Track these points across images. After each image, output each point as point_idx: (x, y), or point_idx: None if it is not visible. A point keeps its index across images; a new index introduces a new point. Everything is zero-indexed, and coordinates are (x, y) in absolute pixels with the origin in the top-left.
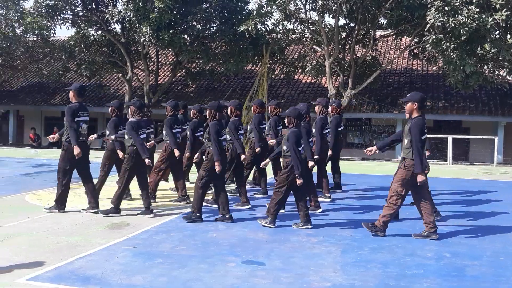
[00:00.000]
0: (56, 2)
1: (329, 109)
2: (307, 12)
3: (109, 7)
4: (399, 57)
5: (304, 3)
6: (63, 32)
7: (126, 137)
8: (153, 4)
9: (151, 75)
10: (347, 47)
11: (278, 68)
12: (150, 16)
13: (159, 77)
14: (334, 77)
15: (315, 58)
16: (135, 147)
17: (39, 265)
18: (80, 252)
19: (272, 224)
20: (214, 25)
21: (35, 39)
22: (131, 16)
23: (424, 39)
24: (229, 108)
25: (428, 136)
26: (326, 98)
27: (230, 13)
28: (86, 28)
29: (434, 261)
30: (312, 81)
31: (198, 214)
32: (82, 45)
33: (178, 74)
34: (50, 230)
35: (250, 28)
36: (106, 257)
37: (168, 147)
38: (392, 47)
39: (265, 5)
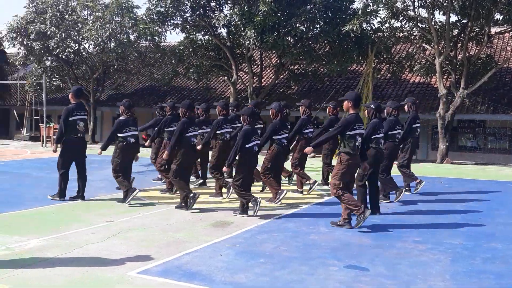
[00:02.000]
0: (166, 9)
1: (327, 110)
2: (416, 9)
3: (215, 12)
4: None
5: (412, 0)
6: (173, 37)
7: (121, 134)
8: (257, 7)
9: (254, 77)
10: (459, 44)
11: (384, 68)
12: (255, 20)
13: (263, 79)
14: (445, 76)
15: (424, 57)
16: (124, 143)
17: (148, 259)
18: (187, 248)
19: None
20: (318, 26)
21: (147, 44)
22: (236, 20)
23: None
24: (216, 107)
25: None
26: (377, 101)
27: (335, 13)
28: (194, 33)
29: None
30: (421, 80)
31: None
32: (191, 49)
33: (281, 76)
34: (159, 226)
35: (355, 28)
36: (211, 254)
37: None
38: (508, 44)
39: (371, 4)
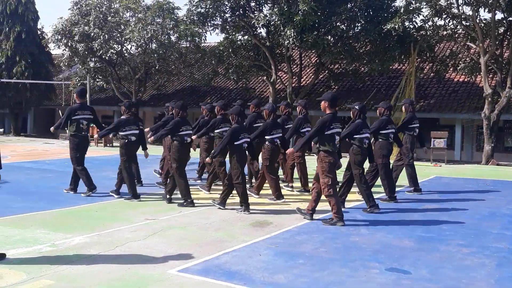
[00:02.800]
0: (207, 10)
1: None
2: (460, 7)
3: (255, 12)
4: None
5: None
6: (213, 38)
7: (122, 133)
8: (297, 7)
9: (294, 77)
10: (505, 42)
11: (427, 67)
12: (295, 19)
13: (302, 79)
14: (490, 76)
15: (468, 55)
16: (126, 141)
17: (188, 257)
18: (226, 247)
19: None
20: (359, 24)
21: (188, 45)
22: (276, 19)
23: None
24: (215, 107)
25: None
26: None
27: (376, 12)
28: (233, 33)
29: None
30: (465, 80)
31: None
32: (230, 50)
33: (321, 76)
34: (199, 225)
35: (397, 26)
36: (250, 254)
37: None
38: None
39: (413, 2)
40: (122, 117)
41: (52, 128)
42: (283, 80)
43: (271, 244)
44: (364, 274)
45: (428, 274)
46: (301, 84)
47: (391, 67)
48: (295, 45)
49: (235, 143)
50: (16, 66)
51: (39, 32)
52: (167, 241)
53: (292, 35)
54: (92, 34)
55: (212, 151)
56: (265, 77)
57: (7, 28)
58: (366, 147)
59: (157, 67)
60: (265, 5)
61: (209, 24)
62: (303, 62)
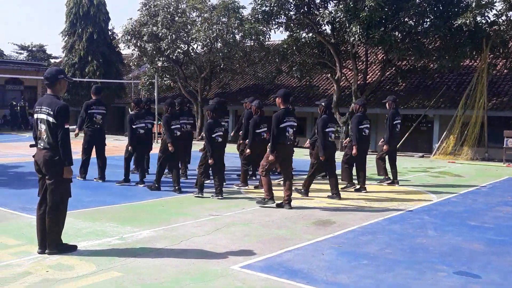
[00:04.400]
0: (271, 8)
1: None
2: None
3: (320, 9)
4: None
5: None
6: (277, 36)
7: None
8: (363, 2)
9: (359, 74)
10: None
11: (500, 63)
12: (361, 15)
13: (368, 76)
14: None
15: None
16: (136, 134)
17: (251, 254)
18: (288, 245)
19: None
20: (428, 20)
21: (252, 44)
22: (341, 16)
23: None
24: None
25: None
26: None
27: (446, 6)
28: (298, 31)
29: None
30: None
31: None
32: (294, 47)
33: (388, 73)
34: (262, 222)
35: (468, 21)
36: (313, 253)
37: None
38: None
39: None
40: (131, 112)
41: (76, 130)
42: (348, 77)
43: (334, 244)
44: (431, 277)
45: (499, 278)
46: (367, 82)
47: (461, 64)
48: (361, 41)
49: (212, 135)
50: (88, 66)
51: (110, 33)
52: (230, 237)
53: (358, 31)
54: (160, 34)
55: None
56: (329, 75)
57: (80, 29)
58: (332, 140)
59: (222, 66)
60: (330, 1)
61: (274, 22)
62: (369, 59)
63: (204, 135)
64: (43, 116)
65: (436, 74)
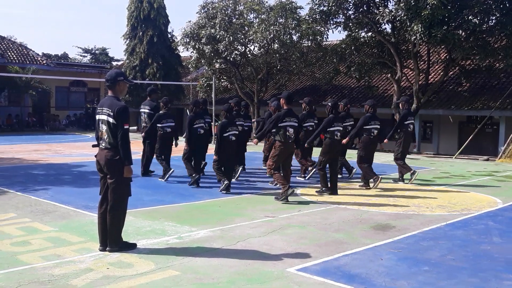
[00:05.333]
0: (329, 8)
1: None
2: None
3: (379, 8)
4: None
5: None
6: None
7: (160, 125)
8: (425, 0)
9: (421, 74)
10: None
11: None
12: (422, 13)
13: (430, 76)
14: None
15: None
16: (162, 132)
17: (307, 257)
18: (346, 249)
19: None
20: (494, 17)
21: (309, 44)
22: (402, 15)
23: None
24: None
25: None
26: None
27: None
28: (356, 30)
29: None
30: None
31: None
32: (353, 47)
33: (451, 73)
34: (318, 225)
35: None
36: (371, 258)
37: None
38: None
39: None
40: (160, 112)
41: (143, 134)
42: (409, 77)
43: (393, 249)
44: (495, 285)
45: None
46: (429, 82)
47: None
48: (423, 40)
49: (224, 135)
50: (148, 68)
51: (169, 36)
52: (286, 239)
53: (420, 30)
54: (218, 36)
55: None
56: (389, 75)
57: (140, 32)
58: (337, 139)
59: (278, 67)
60: (390, 0)
61: (332, 22)
62: (431, 58)
63: (217, 134)
64: (104, 117)
65: (502, 74)
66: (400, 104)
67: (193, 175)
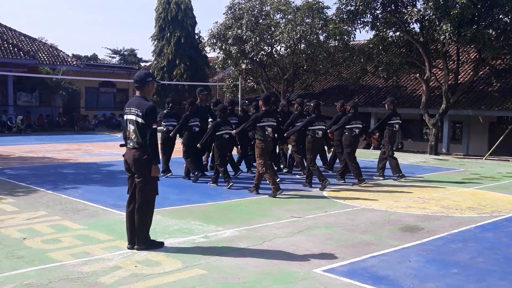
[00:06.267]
0: (357, 7)
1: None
2: None
3: (408, 7)
4: None
5: None
6: (362, 35)
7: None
8: None
9: (450, 74)
10: None
11: None
12: (451, 13)
13: (459, 76)
14: None
15: None
16: (188, 131)
17: (333, 258)
18: (373, 251)
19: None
20: None
21: (336, 44)
22: (430, 14)
23: None
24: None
25: None
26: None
27: None
28: (384, 30)
29: None
30: None
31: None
32: (380, 47)
33: (481, 72)
34: (345, 226)
35: None
36: (399, 260)
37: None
38: None
39: None
40: (186, 112)
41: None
42: (438, 77)
43: (422, 251)
44: None
45: None
46: (458, 82)
47: None
48: (452, 40)
49: (217, 133)
50: (176, 69)
51: (196, 37)
52: (313, 240)
53: (449, 29)
54: (245, 37)
55: (200, 141)
56: (417, 75)
57: (168, 34)
58: (318, 137)
59: (305, 67)
60: None
61: (359, 21)
62: (460, 58)
63: (209, 132)
64: (132, 117)
65: None
66: (386, 105)
67: (196, 173)
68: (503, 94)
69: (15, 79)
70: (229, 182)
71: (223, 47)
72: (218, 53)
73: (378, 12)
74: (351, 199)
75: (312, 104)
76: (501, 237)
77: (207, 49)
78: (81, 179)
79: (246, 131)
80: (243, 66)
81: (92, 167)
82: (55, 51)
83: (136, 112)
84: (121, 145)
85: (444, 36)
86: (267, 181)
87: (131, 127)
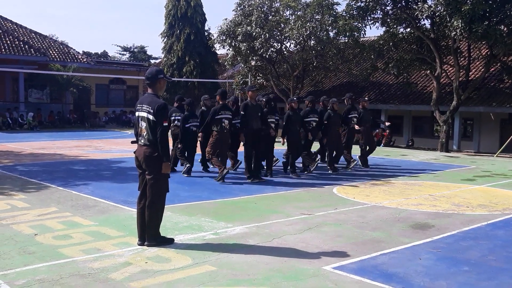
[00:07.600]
0: (367, 4)
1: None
2: None
3: (418, 3)
4: None
5: None
6: (372, 32)
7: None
8: None
9: (461, 70)
10: None
11: None
12: (463, 9)
13: (470, 73)
14: None
15: None
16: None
17: (343, 255)
18: (383, 248)
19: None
20: None
21: (346, 40)
22: (441, 10)
23: None
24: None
25: None
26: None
27: None
28: (395, 26)
29: None
30: None
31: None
32: (391, 43)
33: (492, 69)
34: (355, 223)
35: None
36: (409, 257)
37: None
38: None
39: None
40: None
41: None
42: (449, 74)
43: (432, 248)
44: None
45: None
46: (469, 78)
47: None
48: (463, 36)
49: (185, 125)
50: (185, 66)
51: (206, 34)
52: (322, 237)
53: (460, 25)
54: (254, 33)
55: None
56: (428, 71)
57: (178, 31)
58: (310, 128)
59: (314, 64)
60: None
61: (369, 18)
62: (472, 54)
63: (179, 126)
64: (144, 114)
65: None
66: (345, 100)
67: (187, 165)
68: None
69: (26, 76)
70: (188, 168)
71: (233, 44)
72: (227, 50)
73: (388, 8)
74: (361, 196)
75: (264, 100)
76: (510, 235)
77: (217, 46)
78: (92, 176)
79: (209, 125)
80: (253, 63)
81: (103, 163)
82: (65, 48)
83: (148, 109)
84: (132, 142)
85: (455, 33)
86: (216, 169)
87: (142, 124)
